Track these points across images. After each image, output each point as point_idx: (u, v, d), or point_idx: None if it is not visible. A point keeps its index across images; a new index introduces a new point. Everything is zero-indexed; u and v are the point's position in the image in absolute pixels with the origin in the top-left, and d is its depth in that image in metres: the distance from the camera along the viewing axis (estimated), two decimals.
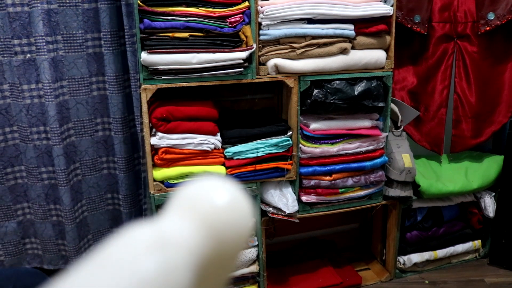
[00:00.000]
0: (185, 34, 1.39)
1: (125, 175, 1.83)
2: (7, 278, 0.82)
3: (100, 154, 1.84)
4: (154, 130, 1.52)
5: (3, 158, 1.73)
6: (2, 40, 1.60)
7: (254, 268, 1.71)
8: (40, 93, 1.66)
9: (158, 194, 1.54)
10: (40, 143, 1.72)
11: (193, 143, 1.50)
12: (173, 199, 0.31)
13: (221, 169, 1.56)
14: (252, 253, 1.69)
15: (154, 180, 1.53)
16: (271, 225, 1.85)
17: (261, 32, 1.49)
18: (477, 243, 2.04)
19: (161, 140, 1.48)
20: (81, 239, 1.85)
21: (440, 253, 1.96)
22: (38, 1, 1.55)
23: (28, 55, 1.62)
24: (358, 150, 1.66)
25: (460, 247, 2.00)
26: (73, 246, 1.81)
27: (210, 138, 1.52)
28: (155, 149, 1.52)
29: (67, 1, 1.62)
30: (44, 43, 1.58)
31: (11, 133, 1.71)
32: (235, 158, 1.56)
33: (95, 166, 1.84)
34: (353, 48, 1.59)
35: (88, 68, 1.72)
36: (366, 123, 1.65)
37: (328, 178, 1.65)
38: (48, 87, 1.62)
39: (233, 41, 1.44)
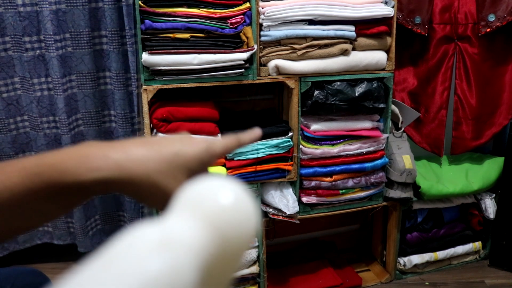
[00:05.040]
0: (186, 35, 1.39)
1: None
2: (5, 277, 0.82)
3: None
4: (155, 130, 1.52)
5: (15, 145, 1.85)
6: (12, 37, 1.69)
7: (254, 269, 1.71)
8: (50, 86, 1.77)
9: None
10: (50, 131, 1.84)
11: None
12: (178, 199, 0.31)
13: (222, 169, 1.56)
14: (252, 254, 1.69)
15: None
16: (271, 226, 1.85)
17: (262, 33, 1.49)
18: (478, 244, 2.03)
19: None
20: (88, 219, 1.95)
21: (441, 254, 1.96)
22: (47, 2, 1.62)
23: (38, 51, 1.72)
24: (359, 151, 1.66)
25: (460, 249, 1.99)
26: (80, 225, 1.91)
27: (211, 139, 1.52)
28: None
29: (75, 0, 1.68)
30: (53, 41, 1.66)
31: (22, 122, 1.83)
32: (235, 159, 1.56)
33: None
34: (354, 49, 1.59)
35: (95, 64, 1.79)
36: (367, 124, 1.65)
37: (328, 179, 1.65)
38: (56, 82, 1.72)
39: (234, 42, 1.44)
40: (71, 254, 2.03)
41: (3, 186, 0.40)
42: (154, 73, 1.43)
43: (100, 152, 0.41)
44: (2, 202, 0.40)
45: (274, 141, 1.59)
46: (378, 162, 1.69)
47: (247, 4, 1.45)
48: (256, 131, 0.51)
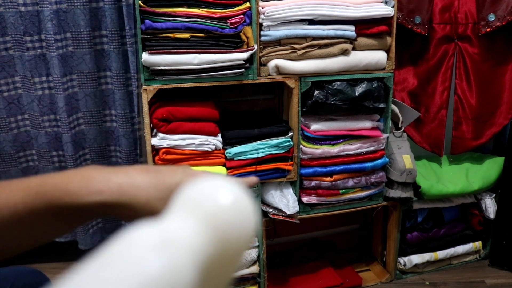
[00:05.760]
0: (186, 35, 1.39)
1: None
2: (5, 277, 0.82)
3: (108, 143, 1.94)
4: (155, 130, 1.52)
5: (16, 143, 1.86)
6: (13, 36, 1.70)
7: (254, 269, 1.71)
8: (51, 85, 1.78)
9: None
10: (51, 130, 1.85)
11: (194, 143, 1.50)
12: (177, 199, 0.31)
13: (222, 169, 1.56)
14: (252, 254, 1.69)
15: None
16: (271, 226, 1.85)
17: (262, 33, 1.49)
18: (478, 244, 2.03)
19: (162, 140, 1.48)
20: None
21: (441, 254, 1.96)
22: (47, 2, 1.63)
23: (39, 50, 1.73)
24: (359, 151, 1.66)
25: (460, 248, 1.99)
26: None
27: (211, 139, 1.52)
28: (155, 150, 1.52)
29: (75, 0, 1.68)
30: (53, 41, 1.67)
31: (22, 121, 1.84)
32: (236, 158, 1.56)
33: (103, 153, 1.94)
34: (354, 49, 1.59)
35: (96, 64, 1.80)
36: (367, 124, 1.65)
37: (328, 179, 1.65)
38: (57, 81, 1.73)
39: (234, 42, 1.44)
40: (72, 252, 2.03)
41: (5, 204, 0.41)
42: (154, 73, 1.43)
43: (103, 175, 0.42)
44: (4, 220, 0.40)
45: (274, 141, 1.59)
46: (378, 162, 1.69)
47: (247, 4, 1.45)
48: (253, 178, 0.54)
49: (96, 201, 0.40)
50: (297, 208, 1.63)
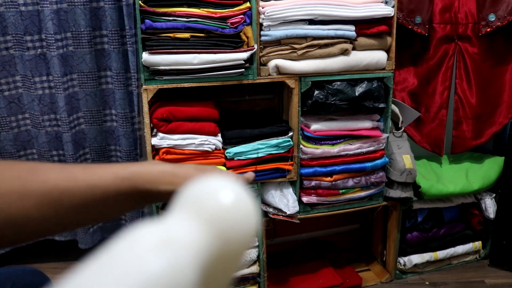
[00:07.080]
0: (186, 35, 1.39)
1: None
2: (5, 277, 0.82)
3: (108, 143, 1.94)
4: (155, 130, 1.52)
5: (17, 143, 1.86)
6: (14, 35, 1.70)
7: (254, 268, 1.71)
8: (51, 85, 1.78)
9: None
10: (51, 129, 1.85)
11: (194, 143, 1.50)
12: (179, 198, 0.31)
13: (222, 170, 1.56)
14: (252, 253, 1.69)
15: None
16: (271, 225, 1.85)
17: (262, 33, 1.49)
18: (478, 244, 2.04)
19: (162, 140, 1.48)
20: None
21: (441, 254, 1.96)
22: (48, 1, 1.63)
23: (39, 50, 1.73)
24: (359, 151, 1.66)
25: (460, 248, 2.00)
26: None
27: (211, 139, 1.52)
28: (155, 150, 1.52)
29: (76, 0, 1.69)
30: (54, 41, 1.67)
31: (23, 120, 1.85)
32: (236, 158, 1.56)
33: (103, 153, 1.95)
34: (354, 49, 1.59)
35: (96, 63, 1.80)
36: (367, 124, 1.65)
37: (328, 179, 1.65)
38: (57, 81, 1.73)
39: (234, 42, 1.44)
40: (72, 251, 2.04)
41: (98, 184, 0.49)
42: (154, 73, 1.43)
43: (173, 170, 0.53)
44: (96, 198, 0.49)
45: (274, 141, 1.59)
46: (378, 161, 1.69)
47: (247, 4, 1.45)
48: (250, 174, 0.68)
49: (168, 190, 0.51)
50: (297, 208, 1.63)
